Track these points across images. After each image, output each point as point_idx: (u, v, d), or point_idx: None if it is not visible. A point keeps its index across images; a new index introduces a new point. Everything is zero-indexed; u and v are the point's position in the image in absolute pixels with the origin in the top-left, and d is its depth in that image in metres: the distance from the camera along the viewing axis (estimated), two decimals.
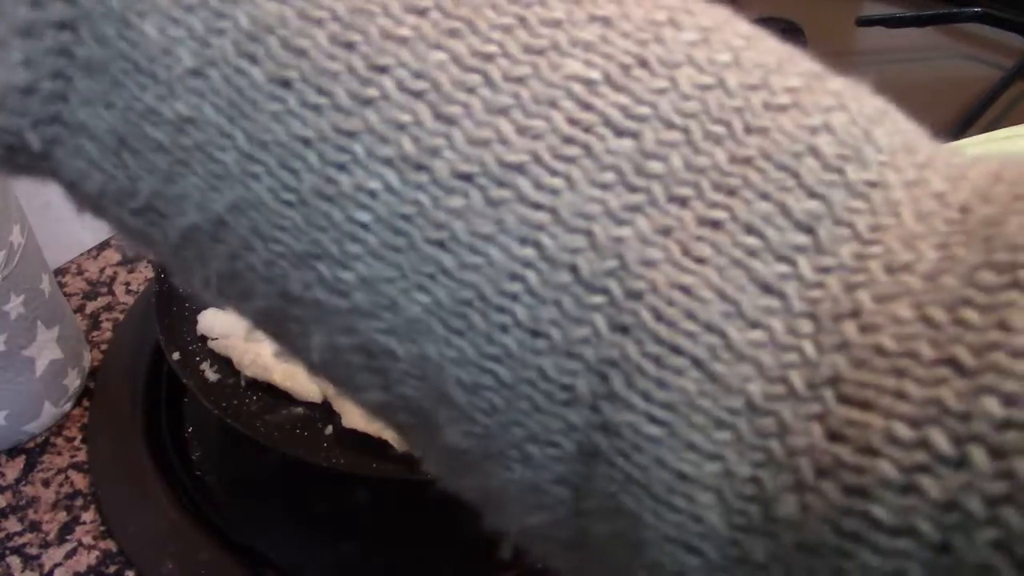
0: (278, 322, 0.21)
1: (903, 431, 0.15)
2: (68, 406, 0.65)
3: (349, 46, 0.18)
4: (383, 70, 0.18)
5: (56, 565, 0.57)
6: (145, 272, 0.77)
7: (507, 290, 0.17)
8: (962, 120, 0.77)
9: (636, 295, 0.17)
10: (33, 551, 0.57)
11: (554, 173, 0.17)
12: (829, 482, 0.16)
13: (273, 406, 0.59)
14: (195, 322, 0.63)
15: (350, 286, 0.18)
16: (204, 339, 0.62)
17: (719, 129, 0.18)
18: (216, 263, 0.20)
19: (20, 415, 0.62)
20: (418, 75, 0.17)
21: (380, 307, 0.18)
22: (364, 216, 0.18)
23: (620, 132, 0.17)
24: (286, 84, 0.18)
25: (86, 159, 0.20)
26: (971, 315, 0.15)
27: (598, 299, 0.17)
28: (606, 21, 0.18)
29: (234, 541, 0.57)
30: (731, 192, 0.17)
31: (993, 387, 0.14)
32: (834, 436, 0.16)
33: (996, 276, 0.15)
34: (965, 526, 0.14)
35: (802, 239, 0.17)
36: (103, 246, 0.79)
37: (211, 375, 0.61)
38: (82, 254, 0.78)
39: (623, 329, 0.17)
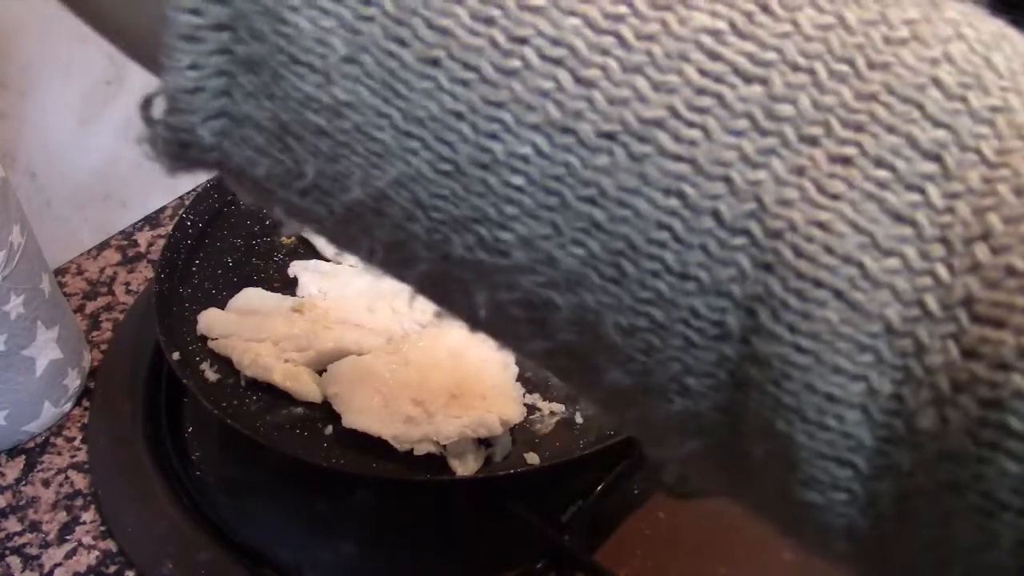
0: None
1: None
2: (68, 406, 0.65)
3: (489, 21, 0.19)
4: (523, 41, 0.18)
5: (56, 565, 0.57)
6: (145, 272, 0.77)
7: (655, 238, 0.19)
8: None
9: (776, 234, 0.18)
10: (33, 551, 0.57)
11: (690, 125, 0.18)
12: (966, 396, 0.17)
13: (273, 406, 0.59)
14: (195, 322, 0.63)
15: (510, 245, 0.20)
16: (204, 339, 0.62)
17: (843, 67, 0.18)
18: (380, 233, 0.21)
19: (20, 415, 0.62)
20: (556, 42, 0.18)
21: (539, 262, 0.20)
22: (518, 180, 0.19)
23: (749, 79, 0.18)
24: (435, 62, 0.19)
25: (252, 147, 0.21)
26: None
27: (741, 240, 0.18)
28: None
29: (234, 541, 0.57)
30: (859, 128, 0.18)
31: None
32: (969, 353, 0.17)
33: None
34: None
35: (930, 167, 0.18)
36: (103, 246, 0.79)
37: (211, 375, 0.61)
38: (82, 254, 0.78)
39: (766, 267, 0.18)
